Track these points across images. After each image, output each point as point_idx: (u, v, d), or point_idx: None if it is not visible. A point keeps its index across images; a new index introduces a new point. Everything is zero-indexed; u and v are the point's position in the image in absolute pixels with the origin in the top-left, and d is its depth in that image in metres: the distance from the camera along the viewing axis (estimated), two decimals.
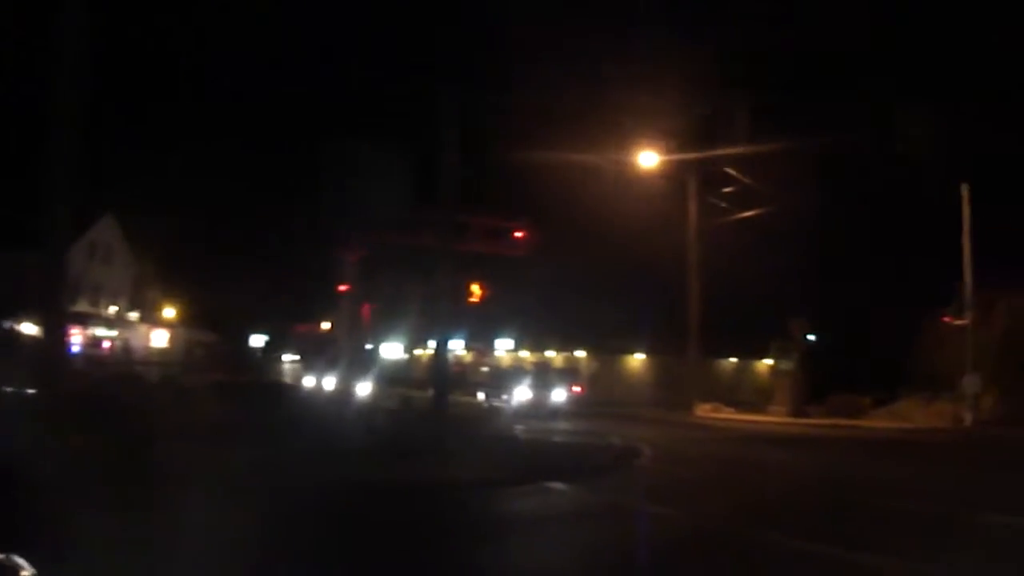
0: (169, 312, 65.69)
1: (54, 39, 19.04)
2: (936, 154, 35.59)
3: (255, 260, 57.77)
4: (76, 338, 45.23)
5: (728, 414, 46.92)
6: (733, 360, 65.16)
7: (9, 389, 25.03)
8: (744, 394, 57.97)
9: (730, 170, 43.71)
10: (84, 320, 52.35)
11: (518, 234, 32.53)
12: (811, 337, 47.89)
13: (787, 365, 46.76)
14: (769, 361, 52.61)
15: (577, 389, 49.06)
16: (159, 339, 61.40)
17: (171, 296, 64.95)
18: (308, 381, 44.43)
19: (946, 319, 41.30)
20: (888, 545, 11.59)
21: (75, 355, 38.26)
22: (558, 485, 17.04)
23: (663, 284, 50.36)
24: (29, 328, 39.70)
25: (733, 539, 12.24)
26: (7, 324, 40.94)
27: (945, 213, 40.40)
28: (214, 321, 66.94)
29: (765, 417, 44.50)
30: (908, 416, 41.70)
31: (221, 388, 30.58)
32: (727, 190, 45.15)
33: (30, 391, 22.75)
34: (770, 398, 47.86)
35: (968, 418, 38.08)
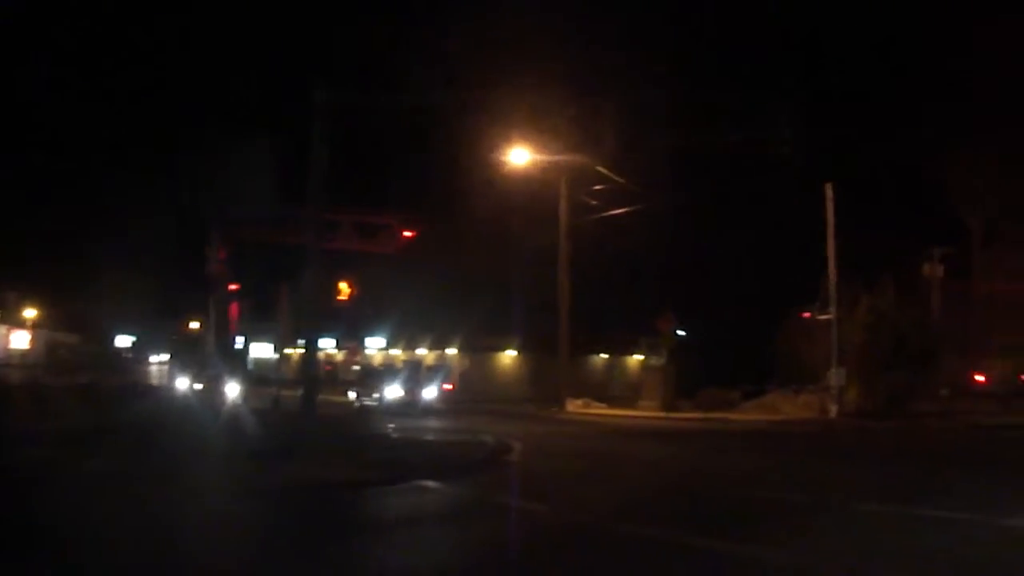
0: (30, 313, 63.75)
1: None
2: (802, 155, 36.48)
3: (120, 259, 56.41)
4: None
5: (599, 409, 47.34)
6: (604, 356, 65.92)
7: None
8: (615, 390, 58.73)
9: (601, 168, 44.02)
10: None
11: (390, 231, 32.25)
12: (681, 333, 48.59)
13: (657, 361, 47.32)
14: (640, 357, 53.24)
15: (448, 386, 49.07)
16: (19, 341, 59.58)
17: (32, 297, 63.04)
18: (180, 383, 43.50)
19: (807, 315, 42.44)
20: (760, 535, 11.77)
21: None
22: (430, 483, 16.92)
23: (536, 282, 50.61)
24: None
25: (604, 533, 12.26)
26: None
27: (812, 212, 41.48)
28: (79, 322, 65.27)
29: (636, 412, 44.98)
30: (777, 408, 42.69)
31: (85, 391, 29.83)
32: (598, 188, 45.46)
33: None
34: (641, 393, 48.42)
35: (833, 410, 39.16)
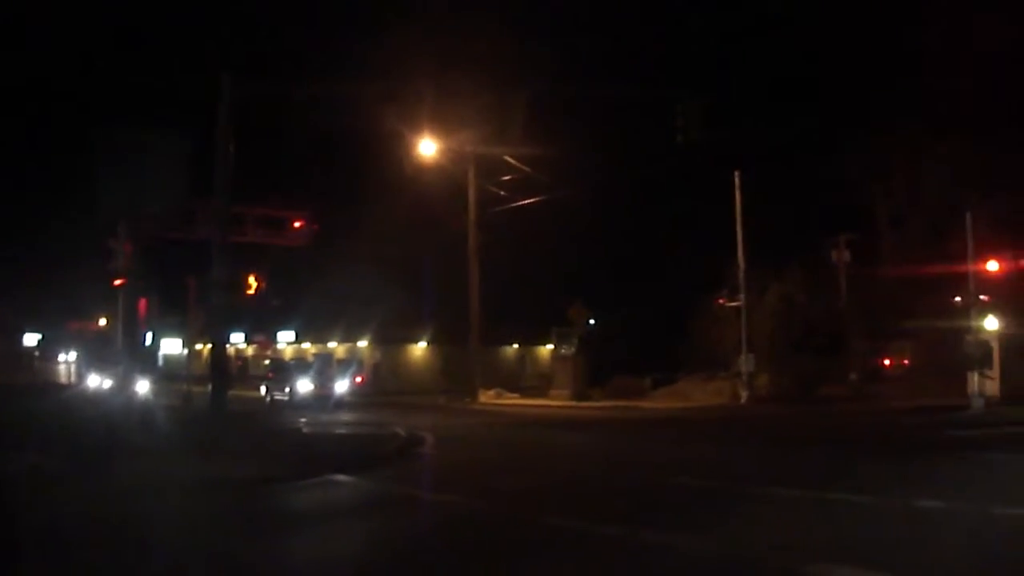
0: None
1: None
2: (711, 145, 36.97)
3: (26, 257, 55.42)
4: None
5: (511, 400, 47.60)
6: (515, 347, 66.13)
7: None
8: (527, 380, 58.99)
9: (509, 158, 44.18)
10: None
11: (297, 224, 32.07)
12: (591, 322, 49.00)
13: (568, 350, 47.65)
14: (550, 347, 53.55)
15: (359, 380, 48.92)
16: None
17: None
18: (90, 380, 42.87)
19: (720, 301, 43.03)
20: (687, 523, 11.89)
21: None
22: (342, 477, 16.92)
23: (446, 273, 50.60)
24: None
25: (515, 522, 12.31)
26: None
27: (720, 201, 42.06)
28: None
29: (548, 401, 45.30)
30: (688, 395, 43.33)
31: None
32: (506, 178, 45.57)
33: None
34: (552, 383, 48.70)
35: (744, 395, 39.87)
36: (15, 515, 12.31)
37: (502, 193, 46.39)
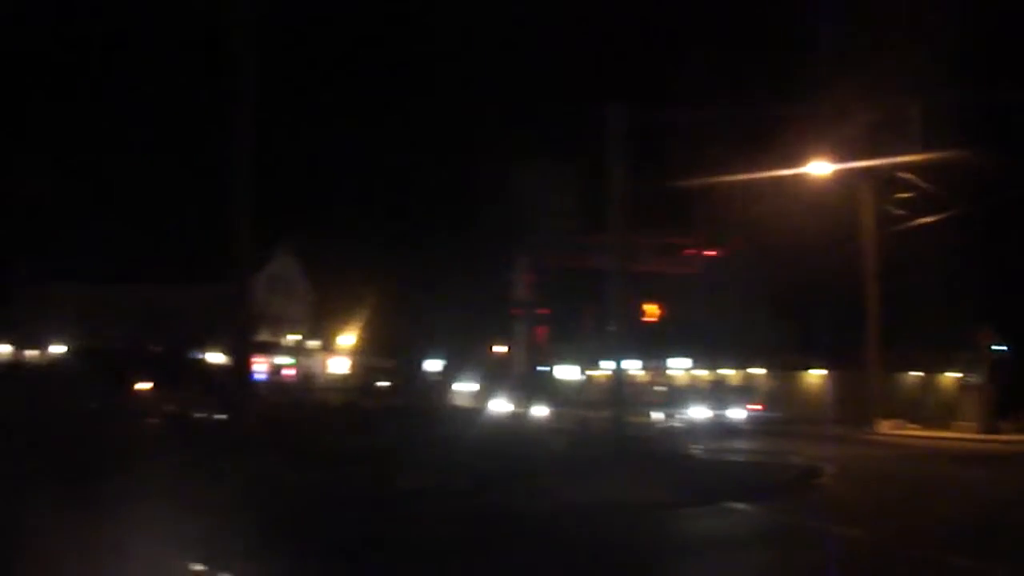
0: (347, 339, 67.13)
1: (231, 87, 19.82)
2: None
3: (430, 286, 58.75)
4: (260, 366, 46.77)
5: (912, 431, 45.45)
6: (916, 374, 63.19)
7: (200, 415, 26.12)
8: (929, 410, 56.14)
9: (905, 175, 42.38)
10: (267, 349, 54.11)
11: (690, 252, 32.27)
12: (1000, 348, 46.06)
13: (976, 378, 45.05)
14: (955, 374, 50.81)
15: (755, 407, 48.29)
16: (338, 366, 62.96)
17: (348, 324, 66.39)
18: (494, 405, 44.83)
19: None
20: None
21: (259, 382, 39.60)
22: (739, 506, 16.79)
23: (839, 296, 49.22)
24: (215, 357, 41.31)
25: (922, 563, 11.83)
26: (195, 354, 42.60)
27: None
28: (390, 347, 68.16)
29: (952, 434, 42.93)
30: None
31: (400, 413, 31.10)
32: (902, 196, 43.77)
33: (219, 416, 23.66)
34: (957, 413, 46.16)
35: None
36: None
37: (899, 212, 44.64)
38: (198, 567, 8.62)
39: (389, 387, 53.52)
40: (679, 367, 62.43)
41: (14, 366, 43.58)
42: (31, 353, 49.01)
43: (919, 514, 16.31)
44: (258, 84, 20.31)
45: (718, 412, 42.80)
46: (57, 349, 48.09)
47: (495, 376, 52.30)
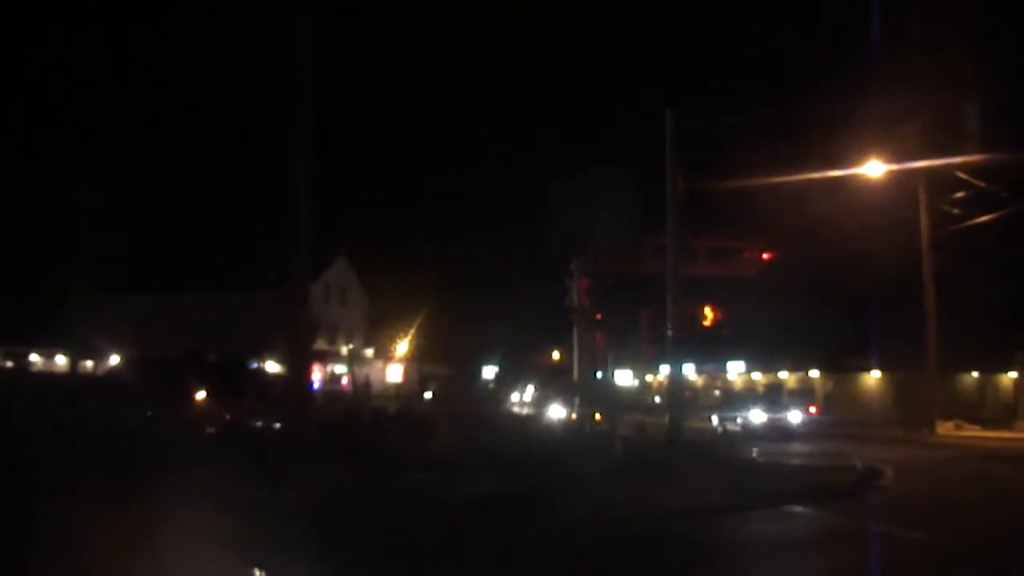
0: (402, 347, 67.57)
1: (289, 90, 20.16)
2: None
3: (485, 293, 59.03)
4: (316, 375, 47.22)
5: (972, 432, 45.11)
6: (974, 374, 62.63)
7: (258, 424, 26.47)
8: (988, 410, 55.64)
9: (962, 174, 42.08)
10: (323, 358, 54.61)
11: (746, 256, 32.30)
12: None
13: None
14: (1014, 374, 50.37)
15: (813, 410, 48.11)
16: (393, 374, 63.35)
17: (404, 332, 66.82)
18: (550, 411, 45.02)
19: None
20: None
21: (316, 391, 39.96)
22: (800, 509, 16.88)
23: (895, 297, 48.96)
24: (272, 367, 41.79)
25: (985, 568, 11.88)
26: (253, 364, 43.06)
27: None
28: (445, 354, 68.47)
29: (1014, 434, 42.60)
30: None
31: (458, 420, 31.29)
32: (959, 196, 43.49)
33: (277, 425, 23.95)
34: (1017, 414, 45.79)
35: None
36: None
37: (955, 212, 44.36)
38: (258, 572, 8.88)
39: (446, 394, 53.76)
40: (735, 371, 62.33)
41: (69, 378, 44.04)
42: (87, 364, 49.66)
43: (982, 517, 16.28)
44: (319, 95, 20.62)
45: (775, 415, 42.67)
46: (113, 360, 48.74)
47: (551, 382, 52.44)
